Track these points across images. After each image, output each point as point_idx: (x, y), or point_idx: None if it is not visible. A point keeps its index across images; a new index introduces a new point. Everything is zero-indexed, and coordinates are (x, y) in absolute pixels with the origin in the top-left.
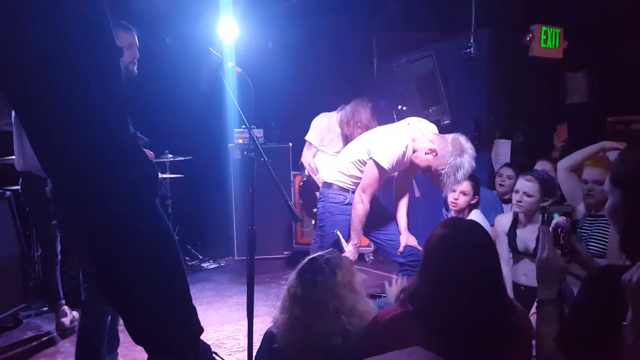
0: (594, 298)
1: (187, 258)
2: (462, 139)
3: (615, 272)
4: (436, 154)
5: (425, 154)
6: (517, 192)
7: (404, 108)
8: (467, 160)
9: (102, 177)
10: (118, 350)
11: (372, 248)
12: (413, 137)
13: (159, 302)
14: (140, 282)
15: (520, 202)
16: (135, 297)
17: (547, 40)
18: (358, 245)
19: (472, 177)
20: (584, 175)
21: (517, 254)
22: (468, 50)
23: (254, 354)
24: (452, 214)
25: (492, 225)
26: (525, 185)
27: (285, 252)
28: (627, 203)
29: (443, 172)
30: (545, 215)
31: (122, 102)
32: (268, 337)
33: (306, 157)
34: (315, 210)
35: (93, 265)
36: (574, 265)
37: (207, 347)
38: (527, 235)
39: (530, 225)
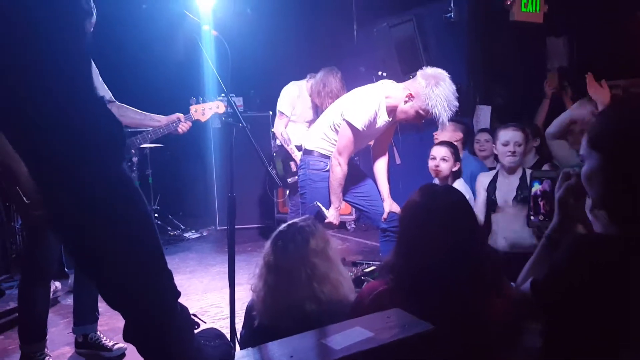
0: (575, 264)
1: (169, 228)
2: (429, 70)
3: (600, 242)
4: (413, 97)
5: (405, 102)
6: (507, 144)
7: (384, 74)
8: (445, 85)
9: (59, 127)
10: (99, 319)
11: (353, 216)
12: (386, 94)
13: (128, 267)
14: (107, 247)
15: (514, 152)
16: (103, 262)
17: (528, 4)
18: (339, 208)
19: (451, 144)
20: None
21: (496, 208)
22: (448, 15)
23: (236, 321)
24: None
25: None
26: (513, 135)
27: (267, 222)
28: (606, 167)
29: (430, 108)
30: (528, 181)
31: (84, 59)
32: (249, 307)
33: (278, 126)
34: (289, 180)
35: (57, 228)
36: None
37: (184, 309)
38: (507, 188)
39: (512, 176)
